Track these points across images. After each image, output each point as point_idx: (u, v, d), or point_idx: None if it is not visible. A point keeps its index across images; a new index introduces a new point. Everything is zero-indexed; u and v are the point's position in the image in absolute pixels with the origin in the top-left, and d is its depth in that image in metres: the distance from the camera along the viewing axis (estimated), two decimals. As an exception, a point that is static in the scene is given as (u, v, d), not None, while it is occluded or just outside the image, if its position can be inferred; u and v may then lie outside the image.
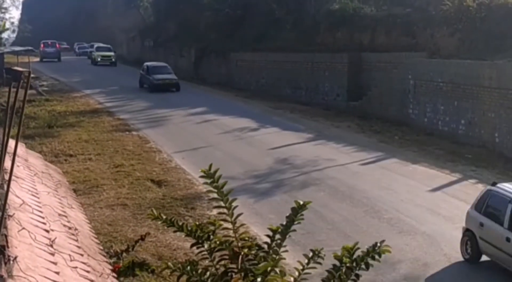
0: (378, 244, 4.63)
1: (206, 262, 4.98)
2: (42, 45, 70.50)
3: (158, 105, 36.53)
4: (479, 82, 24.38)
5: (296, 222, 4.95)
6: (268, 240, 5.00)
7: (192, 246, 4.95)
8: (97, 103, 38.25)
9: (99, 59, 65.01)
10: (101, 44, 70.71)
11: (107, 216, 15.93)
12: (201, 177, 4.89)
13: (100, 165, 21.79)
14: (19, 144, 9.70)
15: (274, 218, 15.08)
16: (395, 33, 34.29)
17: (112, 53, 67.17)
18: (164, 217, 5.03)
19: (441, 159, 22.57)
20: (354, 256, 4.58)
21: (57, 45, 71.98)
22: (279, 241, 4.90)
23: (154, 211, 5.15)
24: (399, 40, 33.44)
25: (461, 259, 13.46)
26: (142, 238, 8.61)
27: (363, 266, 4.59)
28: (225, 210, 4.94)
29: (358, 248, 4.56)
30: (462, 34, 29.42)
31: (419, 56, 29.98)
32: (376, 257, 4.61)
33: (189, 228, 4.86)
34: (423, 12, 33.02)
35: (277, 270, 4.59)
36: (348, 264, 4.58)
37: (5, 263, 3.28)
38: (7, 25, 77.18)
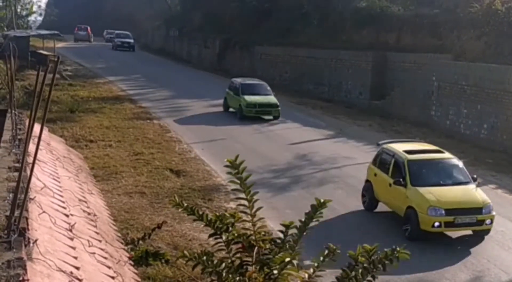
0: (397, 248, 4.62)
1: (222, 254, 5.00)
2: (76, 29, 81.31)
3: (180, 95, 36.60)
4: (504, 87, 24.19)
5: (315, 219, 4.96)
6: (281, 235, 5.01)
7: (210, 236, 4.98)
8: (119, 90, 38.40)
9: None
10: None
11: (125, 203, 16.02)
12: (226, 166, 4.91)
13: (120, 152, 21.90)
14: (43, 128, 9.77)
15: (290, 213, 15.10)
16: (421, 33, 34.05)
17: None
18: (185, 204, 5.08)
19: (461, 162, 22.39)
20: (372, 258, 4.58)
21: (88, 30, 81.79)
22: (295, 237, 4.91)
23: (176, 197, 5.19)
24: (425, 41, 33.21)
25: (479, 264, 13.39)
26: (159, 226, 8.62)
27: (380, 267, 4.58)
28: (245, 202, 4.95)
29: (377, 251, 4.55)
30: (489, 37, 29.15)
31: (445, 58, 29.75)
32: (394, 261, 4.60)
33: (209, 218, 4.90)
34: (450, 14, 32.75)
35: (295, 262, 4.60)
36: (365, 265, 4.58)
37: (25, 246, 3.31)
38: (34, 8, 77.80)
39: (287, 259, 4.54)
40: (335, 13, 41.78)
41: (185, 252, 4.86)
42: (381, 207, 16.57)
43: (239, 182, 4.92)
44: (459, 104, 26.97)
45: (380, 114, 31.63)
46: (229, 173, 5.08)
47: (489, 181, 20.00)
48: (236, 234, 4.88)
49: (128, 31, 76.20)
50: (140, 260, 6.55)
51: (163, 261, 7.00)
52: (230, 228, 4.91)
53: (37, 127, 5.04)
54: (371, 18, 37.54)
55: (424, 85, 29.51)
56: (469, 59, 28.54)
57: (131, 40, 69.43)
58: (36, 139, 3.97)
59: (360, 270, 4.58)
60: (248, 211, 4.95)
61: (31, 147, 4.49)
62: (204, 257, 4.73)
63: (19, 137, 6.12)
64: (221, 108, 32.39)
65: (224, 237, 4.87)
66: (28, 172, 3.93)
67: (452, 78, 27.61)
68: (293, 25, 44.69)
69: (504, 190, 19.10)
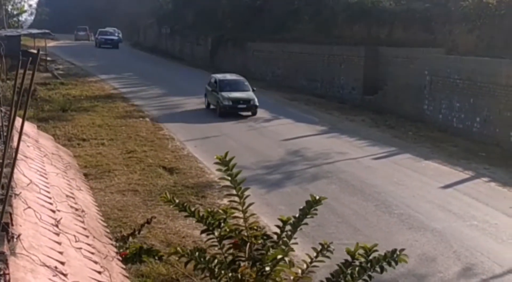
0: (397, 251, 4.61)
1: (215, 250, 4.97)
2: (76, 29, 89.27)
3: (173, 92, 36.54)
4: (496, 80, 24.18)
5: (309, 216, 4.94)
6: (277, 230, 4.98)
7: (202, 232, 4.94)
8: (112, 89, 38.32)
9: None
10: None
11: (118, 201, 15.96)
12: (216, 163, 4.87)
13: (112, 150, 21.84)
14: (31, 125, 9.71)
15: (284, 209, 15.06)
16: (413, 28, 34.06)
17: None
18: (177, 201, 5.04)
19: (454, 156, 22.42)
20: (370, 257, 4.56)
21: (87, 30, 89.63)
22: (289, 233, 4.89)
23: (168, 194, 5.16)
24: (417, 35, 33.21)
25: (473, 256, 13.38)
26: (148, 222, 8.64)
27: (377, 268, 4.57)
28: (236, 199, 4.92)
29: (376, 250, 4.51)
30: (481, 31, 29.17)
31: (437, 52, 29.74)
32: (392, 263, 4.59)
33: (201, 214, 4.87)
34: (442, 8, 32.76)
35: (287, 259, 4.58)
36: (363, 264, 4.56)
37: (8, 241, 3.26)
38: (25, 7, 77.57)
39: (279, 257, 4.52)
40: (326, 9, 41.76)
41: (178, 248, 4.84)
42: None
43: (229, 178, 4.89)
44: (452, 98, 26.96)
45: (373, 109, 31.61)
46: (219, 170, 5.04)
47: (483, 174, 20.01)
48: (228, 230, 4.86)
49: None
50: (134, 256, 6.52)
51: (156, 258, 6.97)
52: (222, 224, 4.89)
53: (27, 125, 4.99)
54: (363, 13, 37.53)
55: (417, 79, 29.49)
56: (461, 53, 28.55)
57: (249, 91, 31.31)
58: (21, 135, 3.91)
59: (357, 268, 4.56)
60: (239, 207, 4.93)
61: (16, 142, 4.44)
62: (197, 254, 4.70)
63: (4, 134, 6.06)
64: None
65: (216, 233, 4.85)
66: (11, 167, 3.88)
67: (444, 72, 27.59)
68: (285, 21, 44.67)
69: (498, 183, 19.09)
